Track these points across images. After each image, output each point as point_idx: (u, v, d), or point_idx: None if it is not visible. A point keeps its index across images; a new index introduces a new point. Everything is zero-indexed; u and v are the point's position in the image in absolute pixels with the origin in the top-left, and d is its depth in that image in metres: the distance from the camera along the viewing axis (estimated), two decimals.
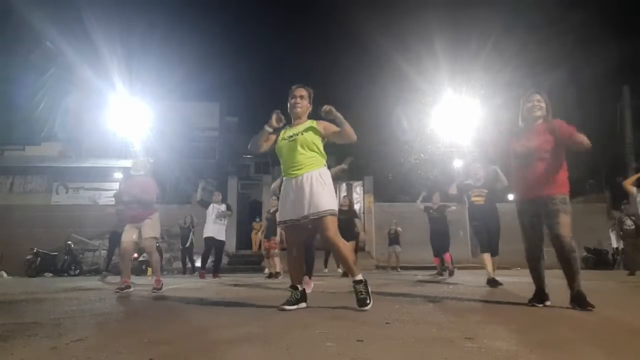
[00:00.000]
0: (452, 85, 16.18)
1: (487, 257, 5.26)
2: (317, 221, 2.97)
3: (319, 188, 2.99)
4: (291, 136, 3.14)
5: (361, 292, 2.88)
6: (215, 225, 8.63)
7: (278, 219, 3.25)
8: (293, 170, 3.09)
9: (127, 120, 16.14)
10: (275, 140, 3.28)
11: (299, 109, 3.22)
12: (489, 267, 5.19)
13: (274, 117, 3.13)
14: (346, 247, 3.04)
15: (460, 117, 16.03)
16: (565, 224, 2.91)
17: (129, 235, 5.01)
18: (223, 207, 8.75)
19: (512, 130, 3.29)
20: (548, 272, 3.09)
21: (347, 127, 3.07)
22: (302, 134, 3.10)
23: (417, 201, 8.40)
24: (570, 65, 15.97)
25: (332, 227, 2.95)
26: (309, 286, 4.76)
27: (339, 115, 3.06)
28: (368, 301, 2.84)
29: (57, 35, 16.20)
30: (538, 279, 3.09)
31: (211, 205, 8.78)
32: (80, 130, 17.96)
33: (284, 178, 3.24)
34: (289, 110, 3.27)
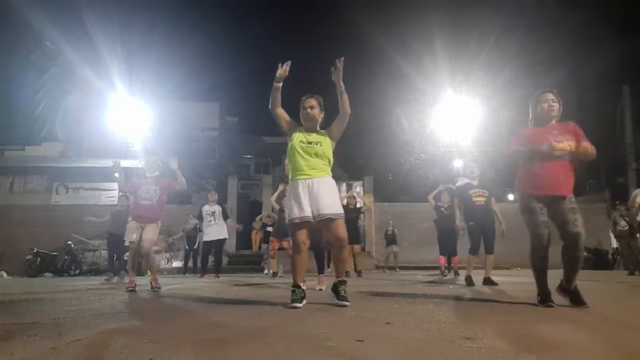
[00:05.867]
0: (452, 85, 16.16)
1: (472, 259, 5.73)
2: (329, 221, 3.17)
3: (333, 192, 3.27)
4: (310, 143, 3.29)
5: (344, 290, 3.18)
6: (210, 228, 8.49)
7: (288, 217, 3.29)
8: (308, 171, 3.23)
9: (127, 120, 16.12)
10: (291, 137, 3.36)
11: (311, 120, 3.38)
12: (471, 268, 5.70)
13: (278, 71, 3.27)
14: (347, 251, 3.40)
15: (460, 117, 16.02)
16: (582, 223, 2.93)
17: (137, 235, 5.00)
18: (216, 208, 8.51)
19: (524, 130, 3.20)
20: (549, 272, 3.08)
21: (346, 97, 3.29)
22: (320, 145, 3.29)
23: (430, 196, 8.27)
24: (570, 65, 15.92)
25: (344, 229, 3.24)
26: (323, 284, 4.80)
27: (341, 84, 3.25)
28: (347, 299, 3.12)
29: (57, 35, 16.15)
30: (545, 280, 3.03)
31: (204, 207, 8.60)
32: (80, 130, 17.94)
33: (294, 180, 3.29)
34: (302, 121, 3.42)
